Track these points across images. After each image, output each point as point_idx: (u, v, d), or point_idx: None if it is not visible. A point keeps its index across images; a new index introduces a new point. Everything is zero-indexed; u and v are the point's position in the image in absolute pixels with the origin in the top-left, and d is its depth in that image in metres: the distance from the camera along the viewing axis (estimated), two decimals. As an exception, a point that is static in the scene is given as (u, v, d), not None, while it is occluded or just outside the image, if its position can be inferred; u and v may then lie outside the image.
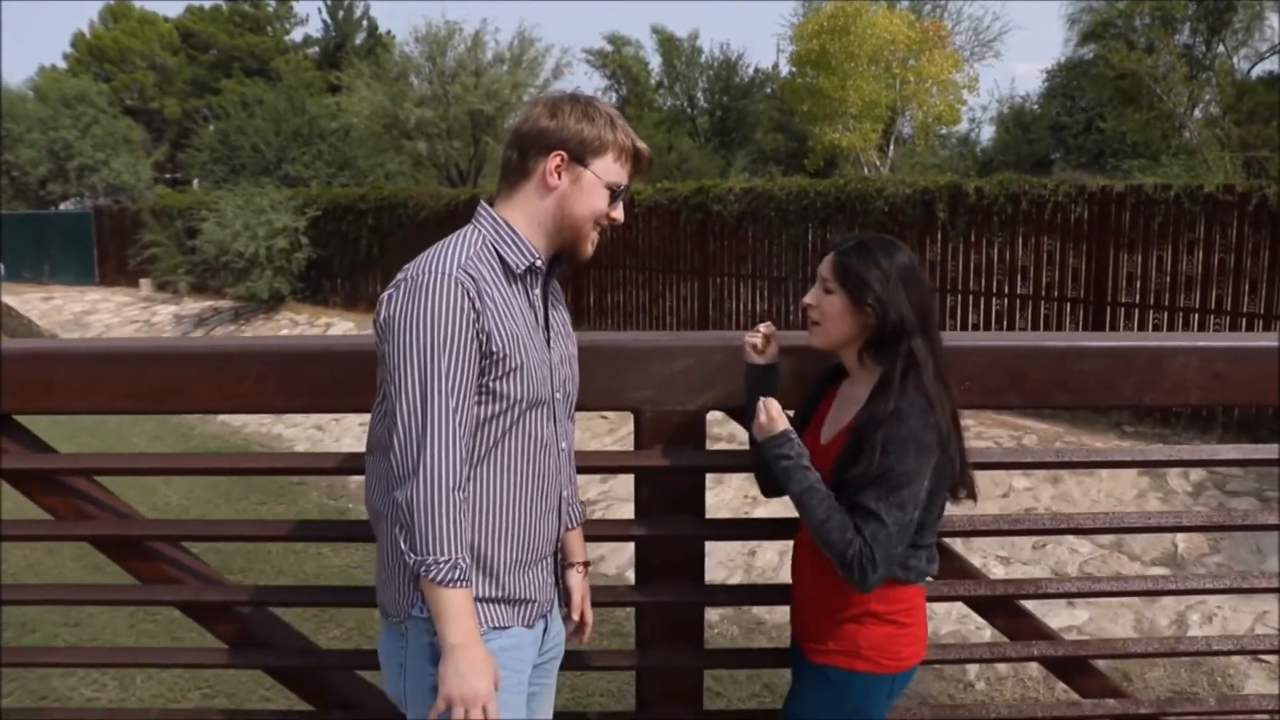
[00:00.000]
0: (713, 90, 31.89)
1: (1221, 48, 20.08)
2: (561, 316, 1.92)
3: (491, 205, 1.81)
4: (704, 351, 2.07)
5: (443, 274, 1.66)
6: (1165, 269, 9.30)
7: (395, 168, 25.29)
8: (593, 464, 2.03)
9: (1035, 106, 28.83)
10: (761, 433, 1.88)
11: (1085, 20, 22.19)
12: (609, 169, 1.80)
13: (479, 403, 1.70)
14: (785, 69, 26.58)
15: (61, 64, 39.58)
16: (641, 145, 1.84)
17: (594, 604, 2.00)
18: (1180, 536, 7.25)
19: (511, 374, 1.72)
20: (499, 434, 1.74)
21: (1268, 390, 2.01)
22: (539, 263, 1.79)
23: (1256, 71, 20.75)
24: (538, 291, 1.82)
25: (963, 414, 1.90)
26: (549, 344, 1.83)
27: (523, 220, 1.78)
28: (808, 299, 1.94)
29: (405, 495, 1.63)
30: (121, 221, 24.72)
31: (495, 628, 1.76)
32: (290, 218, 18.52)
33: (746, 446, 1.98)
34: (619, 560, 7.21)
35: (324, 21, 40.88)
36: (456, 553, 1.64)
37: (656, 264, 13.55)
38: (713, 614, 6.54)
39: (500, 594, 1.77)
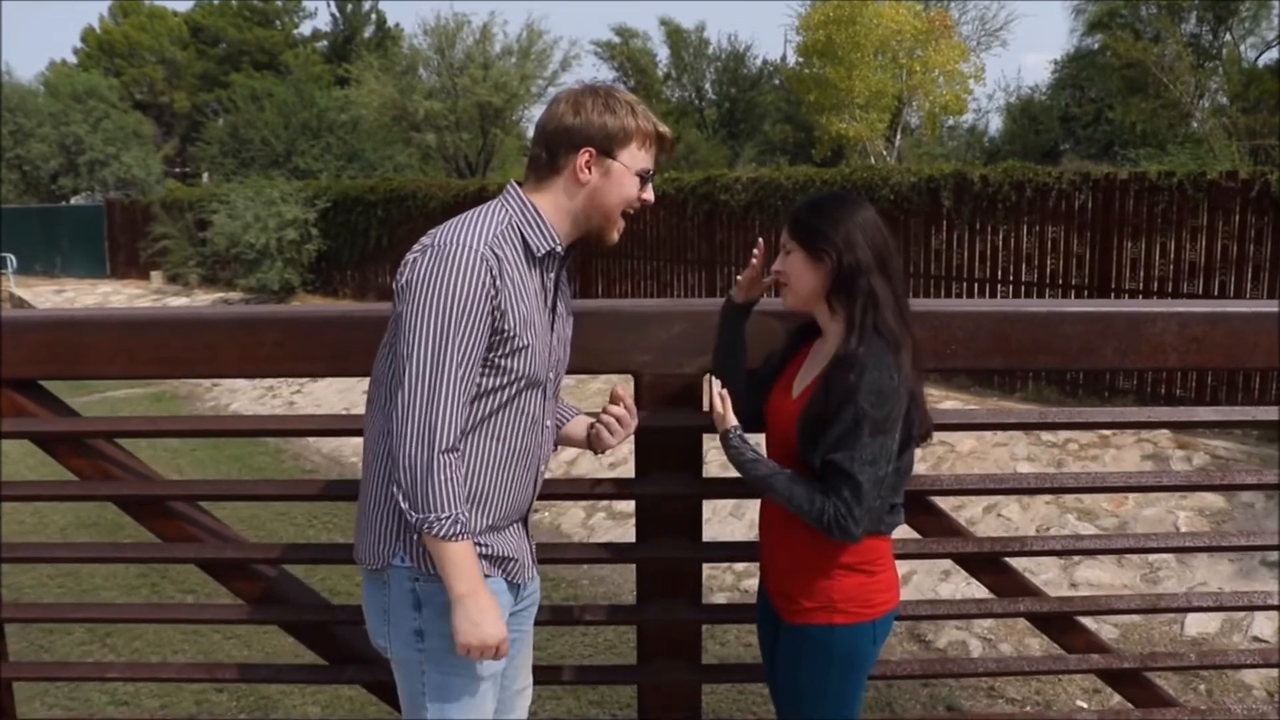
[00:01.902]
0: (720, 82, 31.93)
1: (1228, 36, 20.03)
2: (566, 301, 2.00)
3: (520, 187, 1.88)
4: (701, 316, 2.16)
5: (469, 248, 1.73)
6: (1169, 256, 9.31)
7: (404, 160, 25.35)
8: (593, 427, 2.11)
9: (1044, 97, 28.76)
10: (721, 424, 1.96)
11: (1091, 10, 22.15)
12: (636, 156, 1.86)
13: (482, 374, 1.78)
14: (792, 60, 26.62)
15: (72, 59, 39.78)
16: (663, 128, 1.91)
17: (598, 560, 2.10)
18: (1183, 519, 7.29)
19: (517, 353, 1.80)
20: (495, 406, 1.82)
21: (1244, 353, 2.09)
22: (560, 248, 1.86)
23: (1264, 60, 20.72)
24: (552, 275, 1.90)
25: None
26: (552, 326, 1.91)
27: (551, 208, 1.85)
28: (775, 265, 2.01)
29: (407, 454, 1.71)
30: (132, 214, 24.85)
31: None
32: (300, 209, 18.60)
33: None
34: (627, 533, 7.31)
35: (332, 15, 41.01)
36: (456, 508, 1.73)
37: (664, 254, 13.63)
38: (725, 576, 6.64)
39: (478, 550, 1.85)
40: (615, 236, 1.92)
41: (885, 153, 22.28)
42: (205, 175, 28.67)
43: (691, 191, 13.15)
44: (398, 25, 38.61)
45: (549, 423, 1.96)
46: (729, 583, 6.97)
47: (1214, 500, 7.51)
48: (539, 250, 1.84)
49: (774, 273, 2.00)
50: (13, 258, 24.72)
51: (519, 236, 1.83)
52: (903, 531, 2.05)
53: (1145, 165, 13.24)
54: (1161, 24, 19.86)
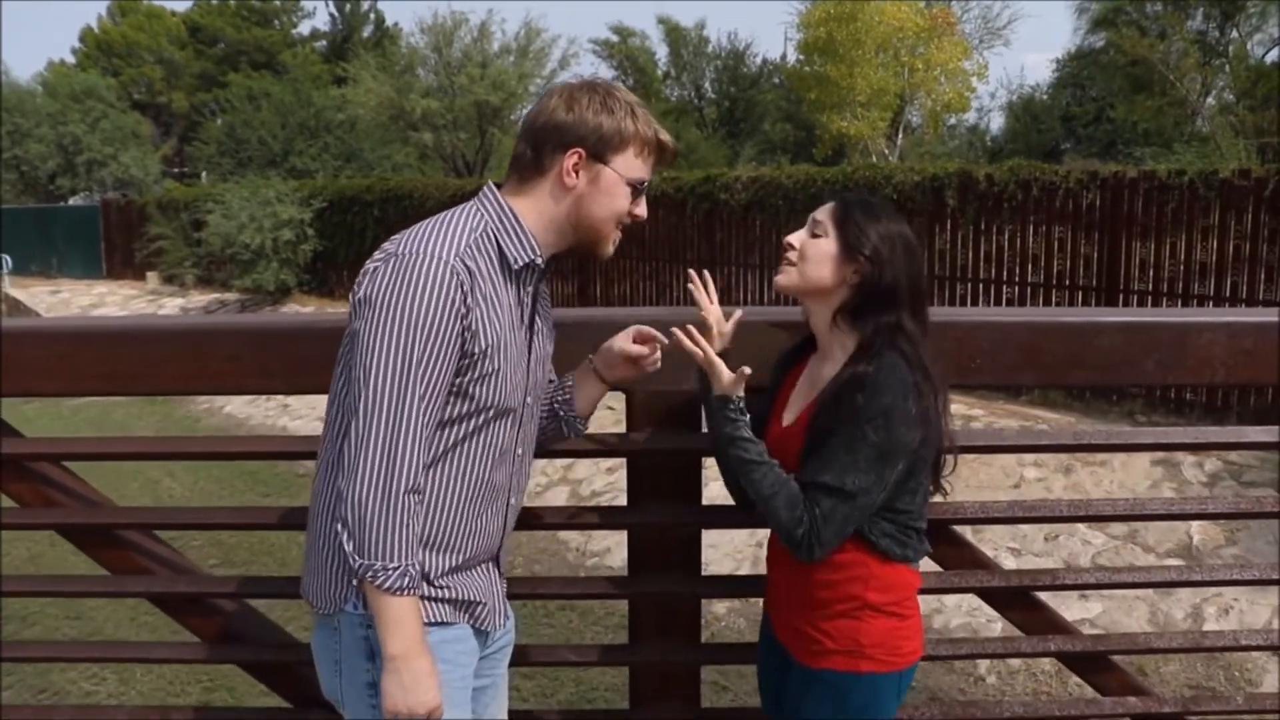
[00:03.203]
0: (720, 80, 31.78)
1: (1235, 33, 19.84)
2: (546, 315, 1.81)
3: (499, 190, 1.69)
4: (699, 326, 1.93)
5: (438, 258, 1.54)
6: (1179, 256, 9.13)
7: (402, 159, 25.28)
8: (581, 448, 1.92)
9: (1045, 96, 28.67)
10: (719, 386, 1.74)
11: (1095, 8, 21.97)
12: (631, 165, 1.67)
13: (448, 403, 1.59)
14: (793, 58, 26.48)
15: (70, 59, 39.70)
16: (665, 136, 1.72)
17: (586, 596, 1.90)
18: (1195, 527, 7.12)
19: (487, 378, 1.61)
20: (460, 437, 1.63)
21: (1300, 368, 1.89)
22: (539, 261, 1.67)
23: (1271, 57, 20.53)
24: (530, 288, 1.71)
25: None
26: (529, 345, 1.72)
27: (532, 216, 1.67)
28: (790, 238, 1.78)
29: (356, 492, 1.52)
30: (128, 215, 24.75)
31: (436, 622, 1.66)
32: (296, 209, 18.48)
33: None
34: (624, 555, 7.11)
35: (331, 15, 40.90)
36: (406, 559, 1.54)
37: (663, 254, 13.45)
38: (719, 607, 6.44)
39: (442, 594, 1.68)
40: (609, 250, 1.73)
41: (887, 151, 22.12)
42: (203, 175, 28.57)
43: (691, 191, 13.00)
44: (396, 25, 38.51)
45: (521, 451, 1.76)
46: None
47: (1228, 507, 7.34)
48: (516, 262, 1.65)
49: (785, 244, 1.79)
50: (8, 258, 24.57)
51: (494, 245, 1.64)
52: (923, 564, 1.85)
53: (1152, 164, 13.07)
54: (1168, 20, 19.68)
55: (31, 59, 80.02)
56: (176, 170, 36.87)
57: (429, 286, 1.52)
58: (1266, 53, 20.26)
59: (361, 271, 1.60)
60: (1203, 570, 1.97)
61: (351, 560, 1.53)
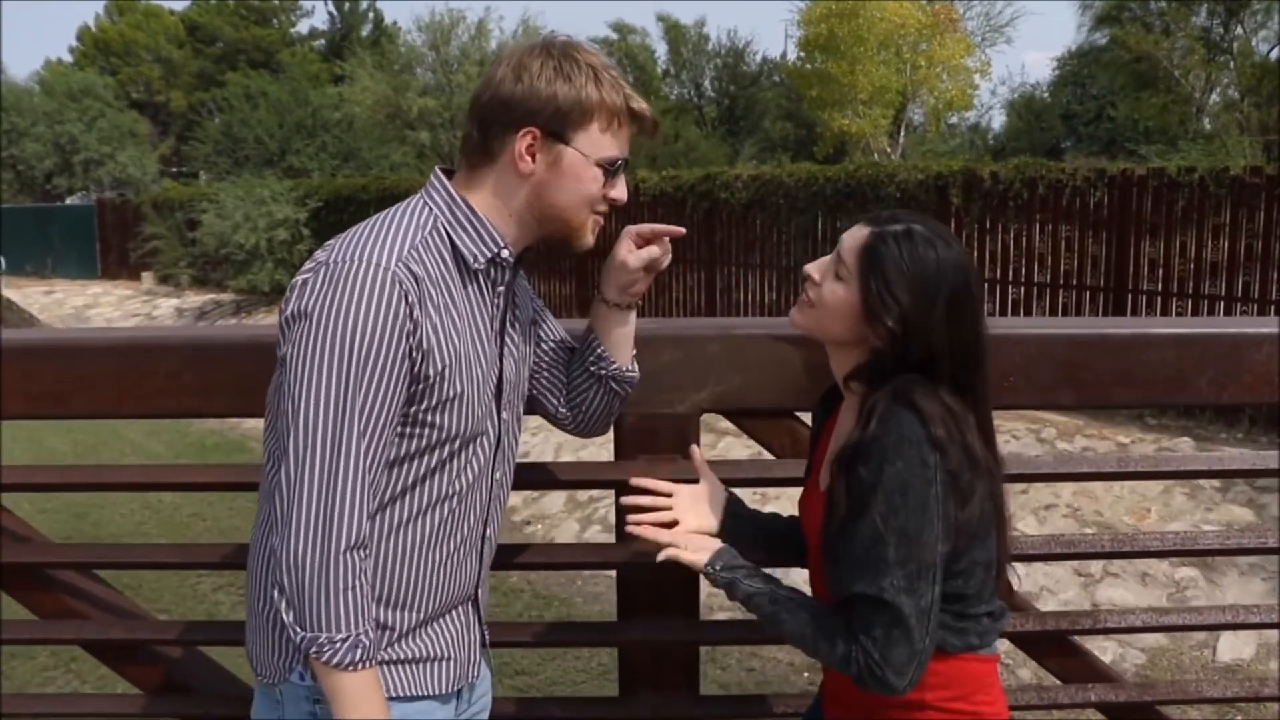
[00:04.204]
0: (720, 78, 31.59)
1: (1240, 29, 19.66)
2: (525, 317, 1.56)
3: (450, 179, 1.44)
4: (695, 342, 1.71)
5: (376, 265, 1.30)
6: (1189, 255, 8.97)
7: (399, 158, 25.13)
8: (565, 477, 1.70)
9: (1045, 95, 28.55)
10: (692, 563, 1.47)
11: (1099, 4, 21.79)
12: (598, 142, 1.40)
13: (400, 436, 1.35)
14: (793, 55, 26.30)
15: (67, 58, 39.57)
16: (639, 103, 1.43)
17: (570, 644, 1.68)
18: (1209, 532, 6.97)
19: (447, 405, 1.37)
20: (418, 475, 1.39)
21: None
22: (505, 253, 1.41)
23: (1276, 53, 20.33)
24: (500, 288, 1.45)
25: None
26: (501, 355, 1.47)
27: (489, 206, 1.41)
28: (812, 269, 1.48)
29: (291, 553, 1.28)
30: (124, 214, 24.62)
31: (398, 697, 1.42)
32: (291, 209, 18.37)
33: (750, 455, 1.63)
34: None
35: (330, 14, 40.76)
36: (358, 627, 1.30)
37: (662, 253, 13.30)
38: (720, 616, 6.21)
39: (402, 656, 1.43)
40: (588, 240, 1.46)
41: (889, 149, 21.93)
42: (202, 175, 28.46)
43: (690, 190, 12.86)
44: (394, 23, 38.32)
45: (500, 474, 1.51)
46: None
47: (1242, 514, 7.16)
48: (476, 260, 1.40)
49: (805, 275, 1.49)
50: (2, 259, 24.41)
51: (447, 243, 1.39)
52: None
53: (1157, 161, 12.91)
54: (1172, 16, 19.51)
55: (28, 58, 79.92)
56: (174, 170, 36.72)
57: (367, 300, 1.28)
58: (1271, 49, 20.08)
59: (290, 285, 1.35)
60: (1261, 611, 1.76)
61: (293, 633, 1.30)
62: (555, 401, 1.64)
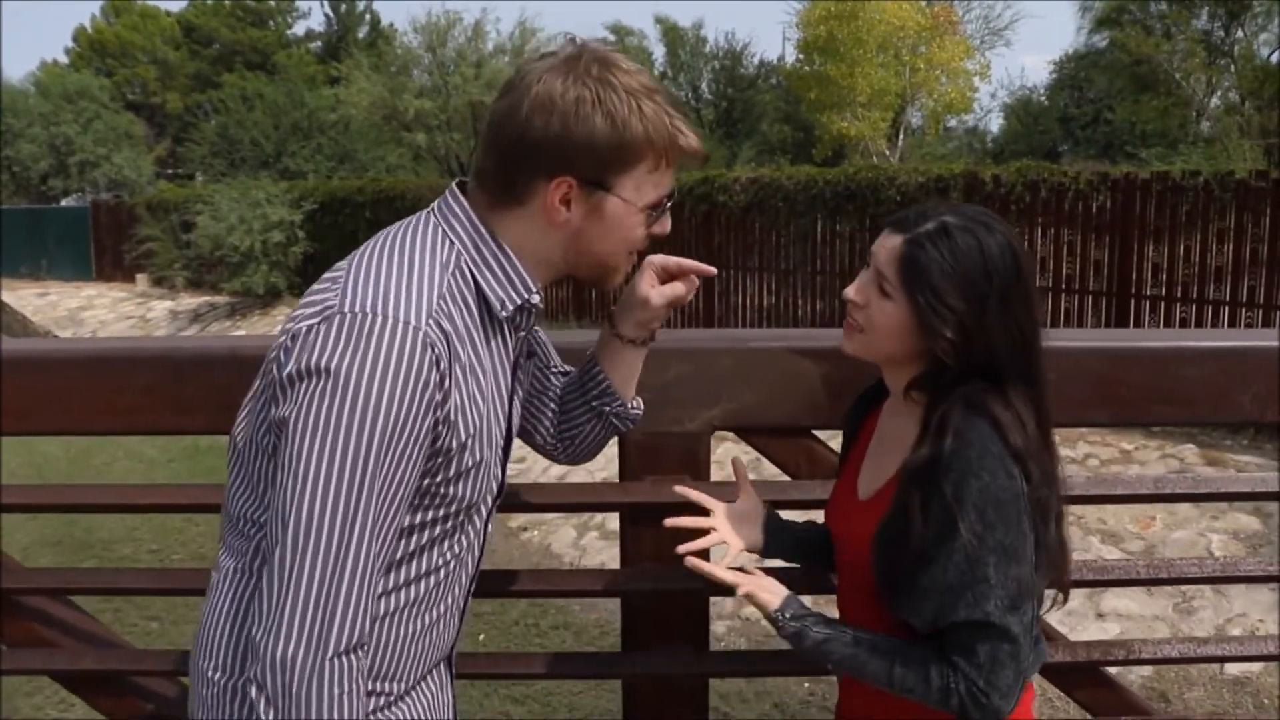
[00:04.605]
0: (718, 81, 31.51)
1: (1241, 33, 19.60)
2: (532, 364, 1.43)
3: (466, 198, 1.24)
4: (706, 356, 1.60)
5: (405, 324, 1.10)
6: (1193, 260, 8.93)
7: (396, 160, 25.07)
8: (566, 499, 1.59)
9: (1043, 98, 28.55)
10: (756, 606, 1.37)
11: (1099, 6, 21.73)
12: (644, 185, 1.22)
13: (409, 511, 1.20)
14: (791, 57, 26.24)
15: (63, 59, 39.48)
16: (688, 138, 1.23)
17: (571, 676, 1.57)
18: (1216, 542, 6.89)
19: (464, 476, 1.21)
20: (419, 545, 1.24)
21: None
22: (535, 299, 1.24)
23: (1278, 56, 20.27)
24: (521, 334, 1.30)
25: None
26: (510, 405, 1.32)
27: (516, 244, 1.23)
28: (852, 293, 1.36)
29: (279, 653, 1.09)
30: (118, 216, 24.50)
31: None
32: (286, 211, 18.24)
33: (767, 477, 1.51)
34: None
35: (326, 15, 40.69)
36: None
37: (660, 257, 13.23)
38: (718, 625, 6.10)
39: None
40: (618, 281, 1.31)
41: (888, 152, 21.85)
42: (199, 177, 28.37)
43: (689, 192, 12.76)
44: (391, 25, 38.27)
45: (490, 523, 1.37)
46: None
47: (1249, 522, 7.07)
48: (504, 308, 1.23)
49: (848, 302, 1.37)
50: (-6, 261, 24.34)
51: (471, 286, 1.21)
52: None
53: (1159, 165, 12.85)
54: (1172, 19, 19.45)
55: (25, 59, 79.72)
56: (171, 171, 36.63)
57: (394, 367, 1.08)
58: (1272, 53, 20.03)
59: (285, 330, 1.15)
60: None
61: None
62: (545, 432, 1.50)
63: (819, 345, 1.54)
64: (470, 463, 1.20)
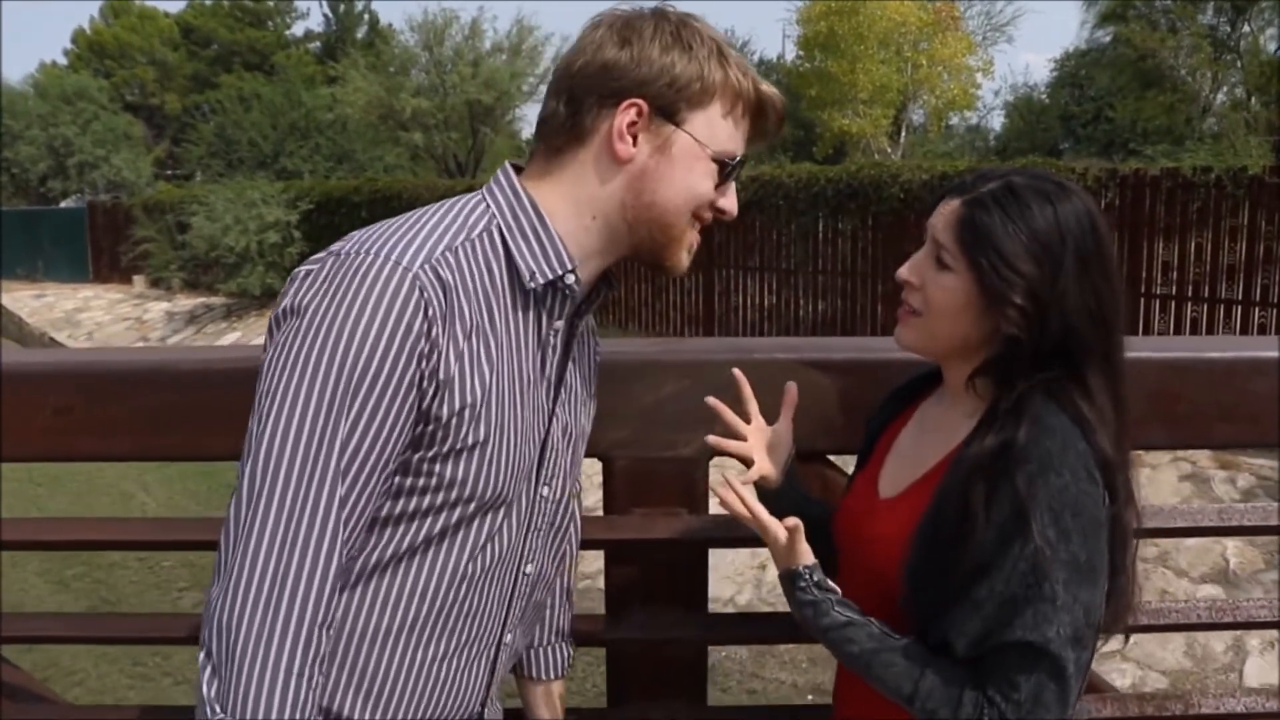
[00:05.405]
0: (718, 79, 31.47)
1: (1247, 27, 19.44)
2: (586, 370, 1.25)
3: (518, 175, 1.15)
4: (706, 368, 1.39)
5: (395, 263, 1.00)
6: (1204, 257, 8.79)
7: (393, 160, 25.00)
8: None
9: (1044, 96, 28.49)
10: (776, 556, 1.15)
11: (1103, 1, 21.58)
12: (718, 128, 1.11)
13: (398, 492, 1.05)
14: (791, 55, 26.11)
15: (62, 60, 39.46)
16: (768, 90, 1.14)
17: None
18: (1232, 549, 6.73)
19: (462, 455, 1.06)
20: (417, 541, 1.08)
21: None
22: (570, 279, 1.11)
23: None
24: (559, 324, 1.14)
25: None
26: (553, 411, 1.17)
27: (566, 207, 1.12)
28: (905, 272, 1.19)
29: (228, 612, 0.97)
30: (115, 217, 24.43)
31: None
32: (282, 211, 18.15)
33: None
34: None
35: (325, 16, 40.65)
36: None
37: (660, 256, 13.09)
38: (715, 653, 5.92)
39: None
40: (683, 260, 1.16)
41: (890, 150, 21.69)
42: (198, 177, 28.31)
43: (689, 190, 12.58)
44: (389, 25, 38.21)
45: (531, 570, 1.19)
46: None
47: (1266, 527, 6.91)
48: (534, 278, 1.10)
49: (903, 283, 1.19)
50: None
51: (499, 251, 1.09)
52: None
53: (1165, 161, 12.71)
54: (1178, 14, 19.29)
55: (23, 61, 79.71)
56: (169, 172, 36.59)
57: (374, 303, 0.98)
58: (1279, 48, 19.86)
59: (290, 276, 1.07)
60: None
61: (208, 711, 0.97)
62: None
63: (834, 357, 1.33)
64: (470, 440, 1.05)
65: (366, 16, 40.09)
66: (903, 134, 22.79)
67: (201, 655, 0.99)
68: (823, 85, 21.05)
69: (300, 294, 1.02)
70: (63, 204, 30.49)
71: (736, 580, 6.90)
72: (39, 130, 29.76)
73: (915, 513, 1.14)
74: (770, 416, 1.29)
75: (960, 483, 1.09)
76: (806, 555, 1.15)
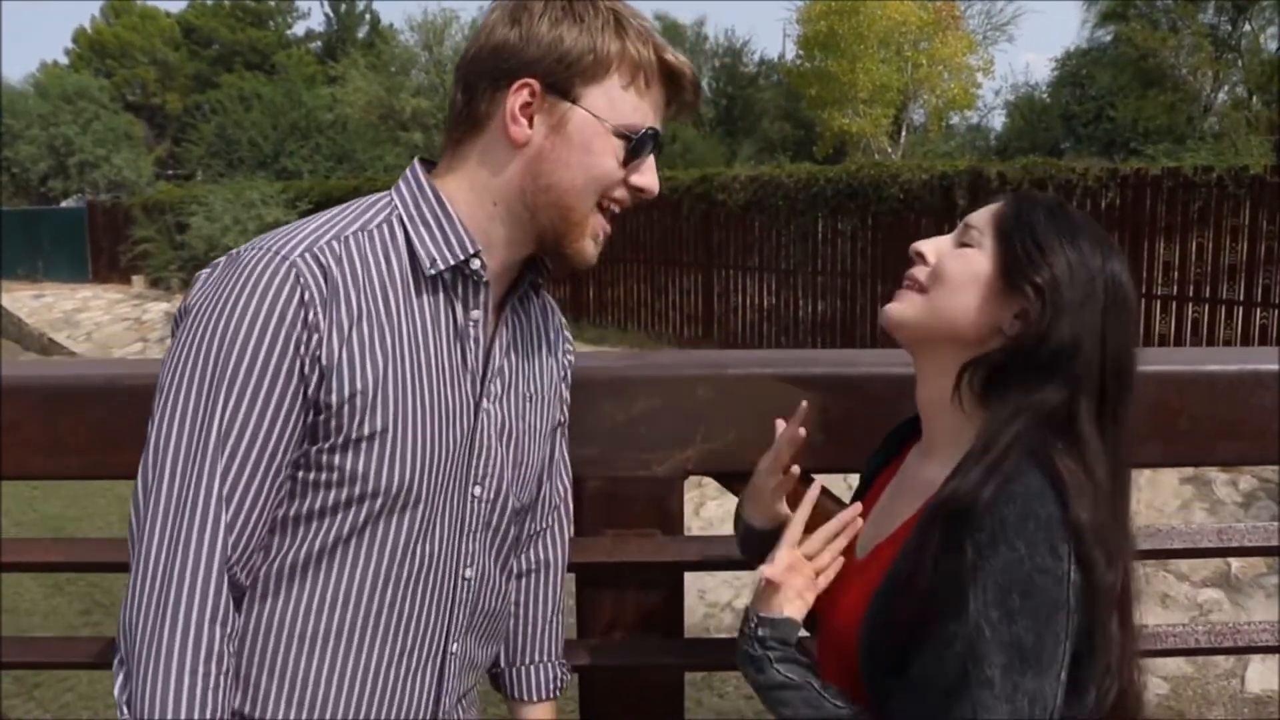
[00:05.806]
0: (718, 79, 31.44)
1: (1248, 26, 19.40)
2: (535, 367, 1.20)
3: (429, 170, 1.13)
4: (679, 385, 1.33)
5: (274, 253, 1.01)
6: (1206, 257, 8.77)
7: (393, 160, 24.99)
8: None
9: (1044, 95, 28.46)
10: (757, 600, 1.07)
11: (1104, 1, 21.54)
12: (619, 102, 1.06)
13: (302, 487, 1.03)
14: (791, 55, 26.11)
15: (63, 60, 39.53)
16: (673, 57, 1.10)
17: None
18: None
19: (359, 446, 1.03)
20: (329, 540, 1.05)
21: None
22: (476, 264, 1.08)
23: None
24: (476, 314, 1.10)
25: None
26: (477, 403, 1.12)
27: (468, 195, 1.09)
28: (921, 245, 1.12)
29: (127, 611, 0.99)
30: (115, 217, 24.45)
31: None
32: (281, 211, 18.21)
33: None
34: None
35: (326, 15, 40.66)
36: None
37: (658, 256, 13.08)
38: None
39: None
40: (588, 248, 1.11)
41: (890, 149, 21.65)
42: (199, 176, 28.33)
43: (687, 191, 12.62)
44: (390, 25, 38.23)
45: (472, 574, 1.15)
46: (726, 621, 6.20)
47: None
48: (433, 264, 1.07)
49: (914, 254, 1.11)
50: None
51: (400, 240, 1.07)
52: None
53: (1165, 160, 12.67)
54: (1179, 12, 19.25)
55: (25, 60, 79.80)
56: (170, 172, 36.63)
57: (248, 292, 0.99)
58: (1280, 47, 19.83)
59: (193, 278, 1.08)
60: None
61: (119, 712, 0.99)
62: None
63: (813, 372, 1.26)
64: (368, 429, 1.03)
65: (367, 16, 40.13)
66: (903, 134, 22.74)
67: (115, 660, 1.01)
68: (823, 85, 21.03)
69: (191, 295, 1.04)
70: (63, 204, 30.51)
71: (734, 584, 6.85)
72: (39, 130, 29.80)
73: (879, 575, 1.06)
74: (753, 437, 1.21)
75: (916, 542, 1.00)
76: (780, 607, 1.07)
